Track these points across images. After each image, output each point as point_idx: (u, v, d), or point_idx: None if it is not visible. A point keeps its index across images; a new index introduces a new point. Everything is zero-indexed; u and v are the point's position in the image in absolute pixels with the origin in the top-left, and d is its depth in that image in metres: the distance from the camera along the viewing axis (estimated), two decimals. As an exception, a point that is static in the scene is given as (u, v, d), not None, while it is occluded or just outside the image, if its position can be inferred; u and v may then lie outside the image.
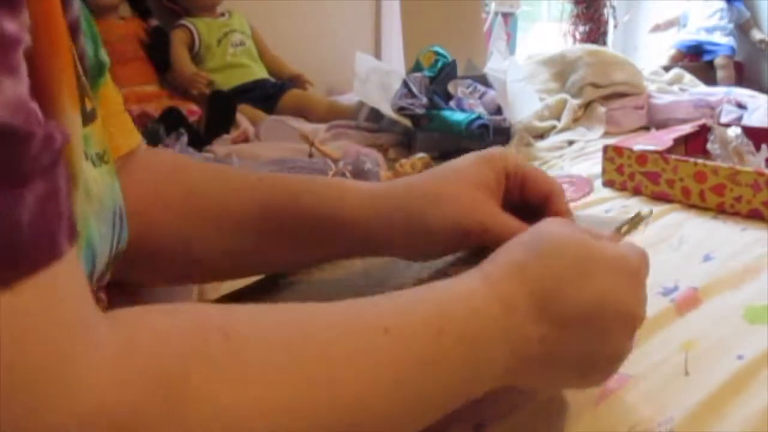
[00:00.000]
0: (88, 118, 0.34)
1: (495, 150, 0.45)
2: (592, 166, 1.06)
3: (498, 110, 1.30)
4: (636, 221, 0.45)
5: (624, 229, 0.44)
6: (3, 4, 0.21)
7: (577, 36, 3.25)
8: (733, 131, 0.93)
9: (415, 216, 0.43)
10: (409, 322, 0.31)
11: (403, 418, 0.30)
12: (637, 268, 0.36)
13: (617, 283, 0.34)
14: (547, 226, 0.36)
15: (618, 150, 0.94)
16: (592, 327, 0.34)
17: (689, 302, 0.57)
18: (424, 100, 1.23)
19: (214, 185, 0.49)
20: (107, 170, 0.36)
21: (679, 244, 0.72)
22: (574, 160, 1.16)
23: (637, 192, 0.91)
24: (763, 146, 0.91)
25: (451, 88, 1.35)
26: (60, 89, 0.28)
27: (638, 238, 0.74)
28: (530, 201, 0.45)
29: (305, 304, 0.30)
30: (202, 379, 0.24)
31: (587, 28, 3.24)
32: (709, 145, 0.95)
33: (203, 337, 0.25)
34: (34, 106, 0.22)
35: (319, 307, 0.30)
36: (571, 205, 0.58)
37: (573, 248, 0.34)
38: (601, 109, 1.40)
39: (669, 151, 0.91)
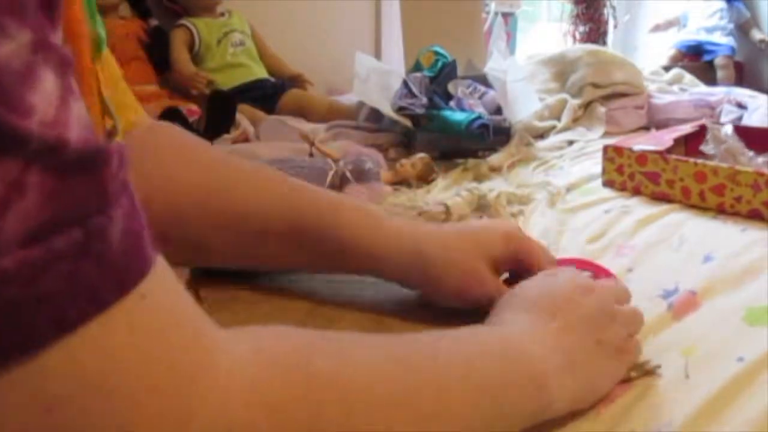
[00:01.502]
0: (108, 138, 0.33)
1: (512, 228, 0.55)
2: (592, 166, 1.06)
3: (498, 110, 1.30)
4: (647, 371, 0.47)
5: (633, 374, 0.46)
6: (49, 18, 0.20)
7: (577, 36, 3.24)
8: (725, 130, 0.93)
9: (431, 272, 0.50)
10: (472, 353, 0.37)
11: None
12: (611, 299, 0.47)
13: (607, 299, 0.46)
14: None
15: (618, 150, 0.94)
16: (594, 327, 0.44)
17: (689, 304, 0.57)
18: (424, 100, 1.23)
19: (240, 186, 0.50)
20: None
21: (679, 245, 0.72)
22: (574, 160, 1.15)
23: (637, 192, 0.91)
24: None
25: (451, 88, 1.34)
26: (89, 108, 0.27)
27: (639, 237, 0.74)
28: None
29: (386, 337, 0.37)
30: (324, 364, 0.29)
31: (587, 28, 3.23)
32: (702, 146, 0.95)
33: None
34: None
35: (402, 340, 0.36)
36: None
37: (571, 276, 0.48)
38: (601, 109, 1.40)
39: (669, 151, 0.91)
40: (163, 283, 0.24)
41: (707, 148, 0.93)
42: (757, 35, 3.29)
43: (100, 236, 0.20)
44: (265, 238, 0.49)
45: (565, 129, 1.35)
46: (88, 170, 0.20)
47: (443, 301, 0.52)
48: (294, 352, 0.28)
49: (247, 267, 0.55)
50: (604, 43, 3.20)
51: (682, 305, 0.57)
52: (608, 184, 0.95)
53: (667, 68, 1.91)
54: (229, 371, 0.25)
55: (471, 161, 1.12)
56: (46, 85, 0.19)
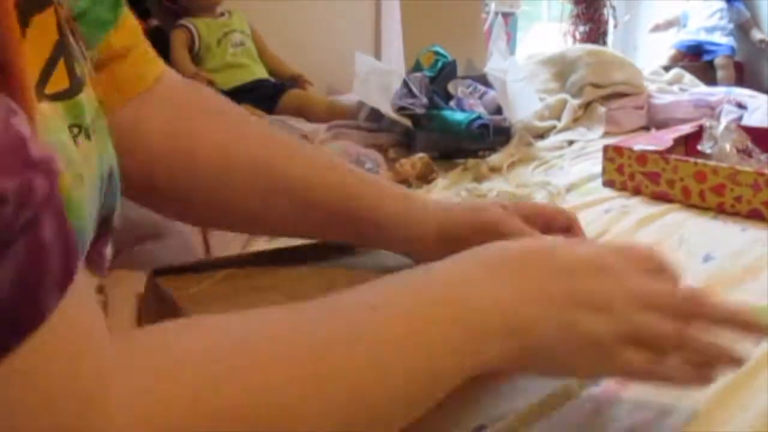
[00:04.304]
0: (79, 86, 0.30)
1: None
2: (592, 166, 1.06)
3: (498, 110, 1.30)
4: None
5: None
6: None
7: (577, 36, 3.24)
8: (720, 128, 0.93)
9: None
10: (398, 301, 0.34)
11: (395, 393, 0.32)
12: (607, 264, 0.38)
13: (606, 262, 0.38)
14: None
15: (618, 150, 0.94)
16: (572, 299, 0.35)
17: (689, 302, 0.57)
18: (424, 100, 1.23)
19: (297, 165, 0.52)
20: (99, 135, 0.33)
21: (679, 244, 0.72)
22: (574, 160, 1.16)
23: (637, 192, 0.91)
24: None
25: (451, 88, 1.34)
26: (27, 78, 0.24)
27: (640, 237, 0.74)
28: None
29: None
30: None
31: (587, 28, 3.23)
32: (699, 146, 0.95)
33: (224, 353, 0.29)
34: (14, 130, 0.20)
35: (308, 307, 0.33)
36: None
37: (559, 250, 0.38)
38: (601, 109, 1.40)
39: (669, 151, 0.91)
40: (59, 329, 0.22)
41: (703, 147, 0.93)
42: (757, 35, 3.29)
43: None
44: (313, 211, 0.52)
45: (565, 129, 1.35)
46: None
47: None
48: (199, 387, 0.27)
49: (283, 235, 0.60)
50: (604, 43, 3.20)
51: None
52: (608, 184, 0.95)
53: (667, 68, 1.91)
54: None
55: (471, 161, 1.13)
56: None
